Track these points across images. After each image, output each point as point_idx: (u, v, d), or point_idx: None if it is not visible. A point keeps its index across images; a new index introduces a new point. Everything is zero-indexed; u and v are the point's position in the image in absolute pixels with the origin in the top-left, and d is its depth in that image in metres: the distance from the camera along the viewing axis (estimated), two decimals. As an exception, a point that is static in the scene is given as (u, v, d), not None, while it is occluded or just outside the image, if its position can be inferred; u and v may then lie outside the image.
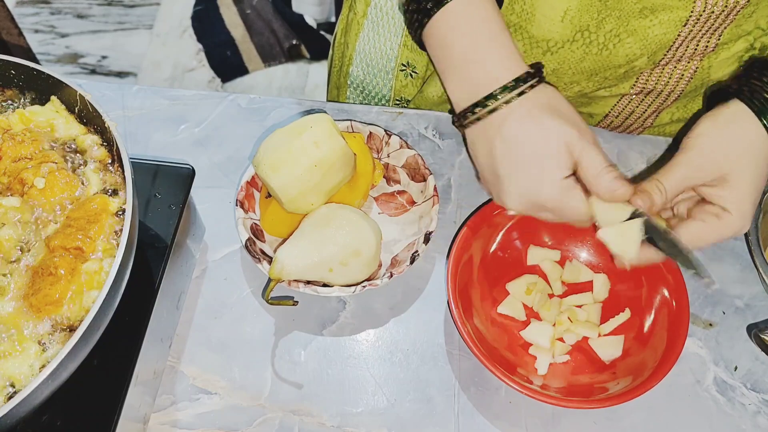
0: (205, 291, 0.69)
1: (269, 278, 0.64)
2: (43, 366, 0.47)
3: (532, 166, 0.57)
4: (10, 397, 0.45)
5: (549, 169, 0.57)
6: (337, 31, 0.86)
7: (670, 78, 0.70)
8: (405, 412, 0.63)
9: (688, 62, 0.68)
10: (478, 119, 0.59)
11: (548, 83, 0.60)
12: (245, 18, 2.24)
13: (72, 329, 0.49)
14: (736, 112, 0.60)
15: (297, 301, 0.66)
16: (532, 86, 0.58)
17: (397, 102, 0.84)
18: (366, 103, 0.87)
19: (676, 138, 0.79)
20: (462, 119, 0.61)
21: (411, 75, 0.80)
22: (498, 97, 0.58)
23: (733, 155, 0.58)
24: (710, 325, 0.68)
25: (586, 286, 0.69)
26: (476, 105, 0.59)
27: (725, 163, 0.58)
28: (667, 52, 0.66)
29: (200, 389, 0.64)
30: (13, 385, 0.47)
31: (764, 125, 0.59)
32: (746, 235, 0.69)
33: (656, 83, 0.71)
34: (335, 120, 0.67)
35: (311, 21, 2.22)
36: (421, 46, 0.64)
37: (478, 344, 0.60)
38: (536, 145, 0.57)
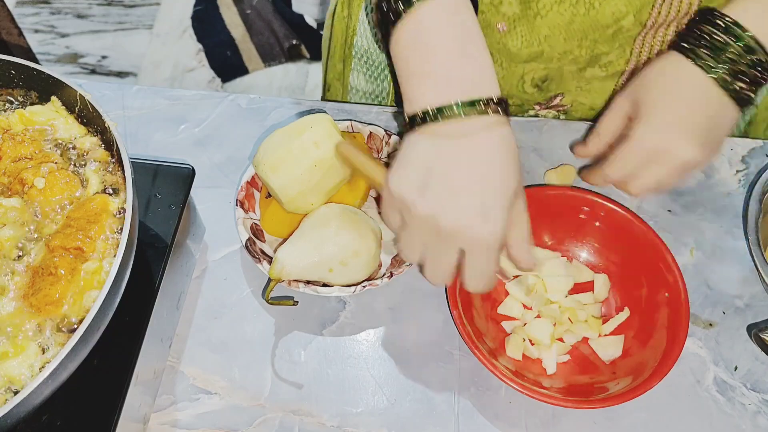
0: (205, 291, 0.69)
1: (269, 278, 0.64)
2: (43, 366, 0.47)
3: (492, 193, 0.53)
4: (11, 397, 0.45)
5: (503, 209, 0.53)
6: (336, 5, 0.85)
7: (661, 46, 0.71)
8: (405, 412, 0.63)
9: (677, 26, 0.69)
10: (439, 120, 0.53)
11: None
12: (245, 18, 2.24)
13: (72, 329, 0.49)
14: (667, 58, 0.64)
15: (297, 301, 0.66)
16: (496, 111, 0.54)
17: None
18: (370, 74, 0.87)
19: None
20: (419, 117, 0.54)
21: None
22: (467, 106, 0.53)
23: (650, 87, 0.63)
24: (710, 325, 0.68)
25: (587, 286, 0.69)
26: (442, 108, 0.53)
27: (656, 98, 0.62)
28: (652, 9, 0.67)
29: (200, 389, 0.64)
30: (13, 386, 0.47)
31: (692, 59, 0.61)
32: (746, 235, 0.69)
33: (649, 53, 0.72)
34: (335, 120, 0.67)
35: (311, 21, 2.22)
36: (388, 53, 0.59)
37: (479, 346, 0.60)
38: (502, 177, 0.53)
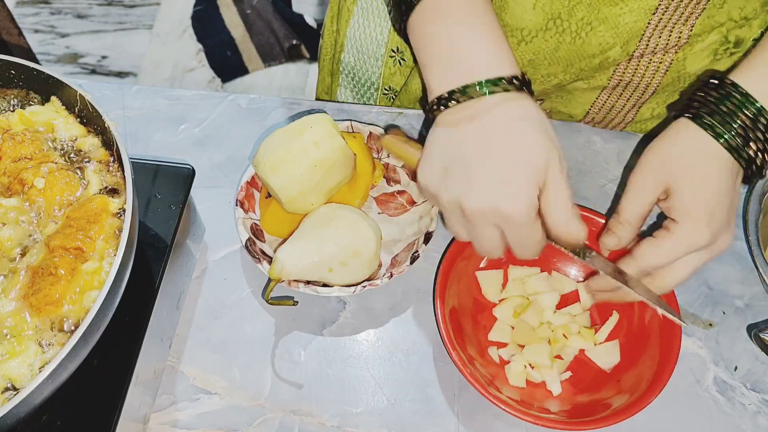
0: (205, 291, 0.69)
1: (269, 278, 0.64)
2: (43, 366, 0.47)
3: (510, 166, 0.53)
4: (11, 397, 0.45)
5: (527, 180, 0.53)
6: (326, 18, 0.86)
7: (646, 70, 0.70)
8: (405, 412, 0.63)
9: (663, 54, 0.68)
10: (460, 101, 0.55)
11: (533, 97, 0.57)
12: (245, 18, 2.24)
13: (72, 329, 0.49)
14: (681, 128, 0.59)
15: (297, 301, 0.66)
16: (521, 89, 0.55)
17: (386, 91, 0.84)
18: (357, 91, 0.87)
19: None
20: (440, 102, 0.56)
21: (400, 62, 0.80)
22: (491, 84, 0.54)
23: (677, 166, 0.58)
24: (710, 325, 0.68)
25: (571, 298, 0.68)
26: (465, 87, 0.55)
27: (670, 176, 0.58)
28: (640, 42, 0.66)
29: (200, 389, 0.64)
30: (13, 386, 0.47)
31: (713, 135, 0.57)
32: (746, 235, 0.69)
33: (633, 75, 0.71)
34: (335, 120, 0.67)
35: (311, 21, 2.22)
36: (406, 38, 0.61)
37: (486, 388, 0.59)
38: (520, 148, 0.53)
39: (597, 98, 0.76)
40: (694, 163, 0.58)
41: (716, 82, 0.59)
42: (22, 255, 0.52)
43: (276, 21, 2.22)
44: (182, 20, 2.25)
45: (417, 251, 0.66)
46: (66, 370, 0.46)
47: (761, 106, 0.57)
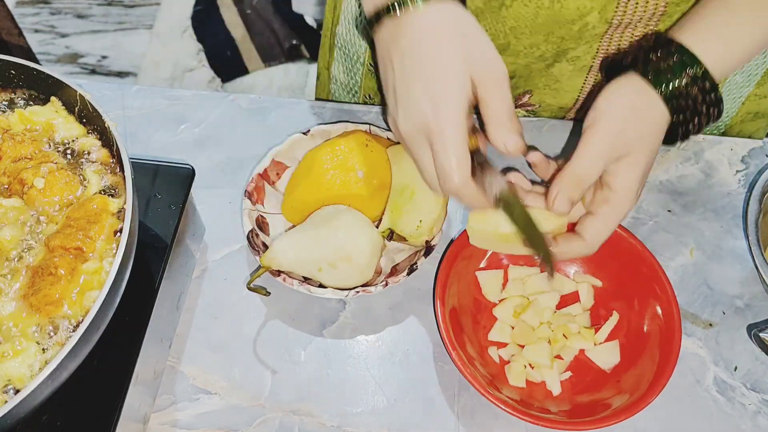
0: (205, 291, 0.69)
1: (259, 265, 0.64)
2: (43, 366, 0.47)
3: (431, 82, 0.53)
4: (11, 397, 0.45)
5: (449, 91, 0.52)
6: None
7: (630, 42, 0.70)
8: (405, 412, 0.63)
9: (645, 27, 0.68)
10: (382, 22, 0.55)
11: (464, 6, 0.55)
12: (245, 18, 2.24)
13: (72, 329, 0.49)
14: (636, 87, 0.58)
15: (269, 292, 0.65)
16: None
17: (371, 67, 0.84)
18: (347, 66, 0.87)
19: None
20: (369, 25, 0.56)
21: None
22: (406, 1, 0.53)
23: (639, 131, 0.57)
24: (710, 325, 0.68)
25: (572, 298, 0.68)
26: (386, 9, 0.54)
27: (634, 140, 0.57)
28: (617, 8, 0.66)
29: (200, 389, 0.64)
30: (13, 386, 0.47)
31: (661, 97, 0.57)
32: (746, 235, 0.69)
33: (617, 49, 0.71)
34: (332, 121, 0.67)
35: (311, 21, 2.22)
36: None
37: (486, 388, 0.59)
38: (436, 64, 0.53)
39: (585, 81, 0.76)
40: (648, 133, 0.57)
41: (662, 39, 0.59)
42: (22, 255, 0.52)
43: (276, 21, 2.22)
44: (182, 20, 2.24)
45: (416, 263, 0.66)
46: (66, 370, 0.46)
47: (706, 69, 0.57)
